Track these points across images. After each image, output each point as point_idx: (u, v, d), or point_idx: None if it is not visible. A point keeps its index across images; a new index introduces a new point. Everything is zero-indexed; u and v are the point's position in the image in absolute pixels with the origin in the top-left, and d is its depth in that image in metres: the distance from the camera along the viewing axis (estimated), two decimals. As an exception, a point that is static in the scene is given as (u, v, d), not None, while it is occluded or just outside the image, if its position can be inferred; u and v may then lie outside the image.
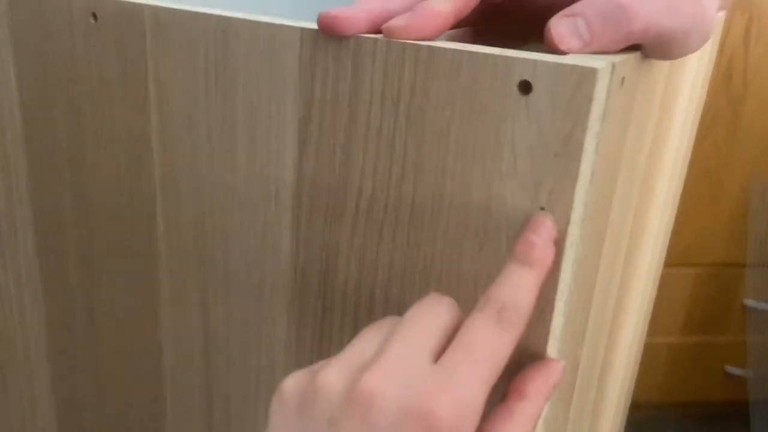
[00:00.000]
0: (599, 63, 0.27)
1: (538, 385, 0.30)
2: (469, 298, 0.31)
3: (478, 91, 0.29)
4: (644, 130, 0.41)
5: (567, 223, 0.29)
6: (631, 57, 0.31)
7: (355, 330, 0.36)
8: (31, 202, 0.50)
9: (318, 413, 0.26)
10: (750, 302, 1.45)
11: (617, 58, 0.29)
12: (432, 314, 0.29)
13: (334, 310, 0.37)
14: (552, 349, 0.31)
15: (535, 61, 0.27)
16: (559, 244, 0.29)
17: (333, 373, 0.27)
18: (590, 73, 0.26)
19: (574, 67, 0.27)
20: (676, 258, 1.28)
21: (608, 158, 0.31)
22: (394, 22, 0.30)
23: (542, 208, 0.29)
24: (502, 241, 0.30)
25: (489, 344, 0.27)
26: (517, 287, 0.28)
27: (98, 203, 0.46)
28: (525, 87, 0.28)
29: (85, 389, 0.54)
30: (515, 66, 0.28)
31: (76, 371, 0.54)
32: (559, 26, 0.30)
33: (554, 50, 0.30)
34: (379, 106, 0.31)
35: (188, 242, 0.42)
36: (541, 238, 0.28)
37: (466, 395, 0.25)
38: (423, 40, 0.30)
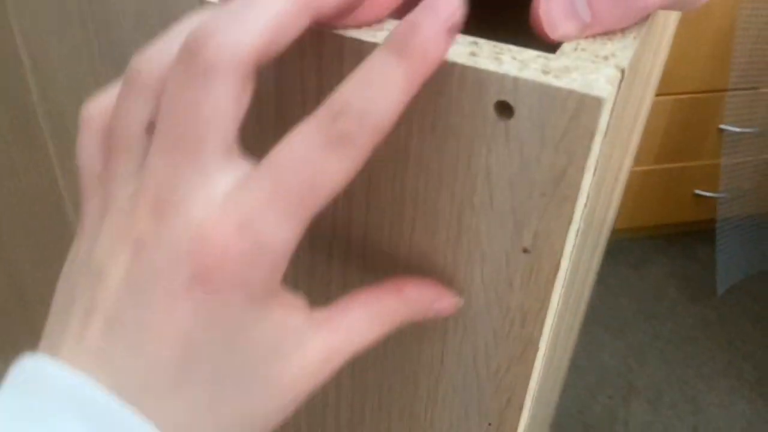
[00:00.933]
0: (603, 83, 0.20)
1: (420, 296, 0.24)
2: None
3: (443, 108, 0.22)
4: None
5: (556, 267, 0.23)
6: (634, 41, 0.23)
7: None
8: None
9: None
10: (728, 126, 1.42)
11: (623, 53, 0.21)
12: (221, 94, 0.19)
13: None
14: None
15: (515, 79, 0.20)
16: (546, 286, 0.24)
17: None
18: (593, 103, 0.19)
19: (570, 93, 0.19)
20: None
21: (606, 158, 0.25)
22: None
23: (525, 250, 0.23)
24: (476, 276, 0.25)
25: (307, 164, 0.19)
26: (373, 87, 0.19)
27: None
28: (504, 109, 0.21)
29: None
30: (489, 83, 0.20)
31: None
32: (551, 4, 0.22)
33: (543, 37, 0.22)
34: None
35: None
36: (431, 22, 0.19)
37: (260, 228, 0.19)
38: (366, 25, 0.22)
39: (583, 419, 1.30)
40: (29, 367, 0.20)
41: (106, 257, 0.21)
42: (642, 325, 1.47)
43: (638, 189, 1.52)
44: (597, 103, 0.19)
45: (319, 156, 0.19)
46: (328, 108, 0.19)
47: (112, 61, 0.33)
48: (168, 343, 0.20)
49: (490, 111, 0.21)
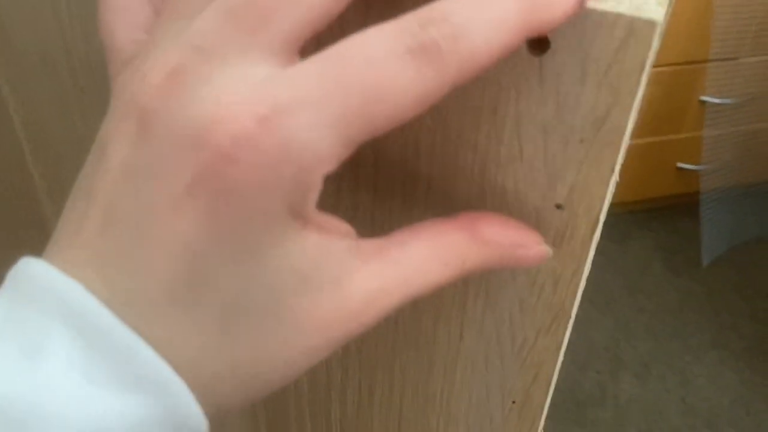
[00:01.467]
0: (654, 4, 0.17)
1: (499, 237, 0.20)
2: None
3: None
4: None
5: (594, 223, 0.21)
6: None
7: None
8: None
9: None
10: (709, 98, 1.42)
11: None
12: None
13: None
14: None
15: (555, 5, 0.17)
16: (582, 246, 0.21)
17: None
18: (645, 28, 0.17)
19: (618, 17, 0.17)
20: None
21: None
22: None
23: (559, 206, 0.21)
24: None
25: (374, 66, 0.15)
26: (483, 6, 0.15)
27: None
28: (538, 43, 0.18)
29: None
30: (524, 11, 0.18)
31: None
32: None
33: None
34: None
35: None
36: None
37: (290, 124, 0.15)
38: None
39: (573, 396, 1.29)
40: (21, 270, 0.17)
41: (112, 129, 0.17)
42: (628, 300, 1.47)
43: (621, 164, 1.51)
44: (650, 27, 0.17)
45: (392, 62, 0.15)
46: (421, 12, 0.15)
47: (84, 40, 0.29)
48: (169, 253, 0.16)
49: (522, 46, 0.18)
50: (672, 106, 1.45)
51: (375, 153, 0.22)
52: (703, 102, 1.43)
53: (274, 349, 0.17)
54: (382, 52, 0.15)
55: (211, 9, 0.17)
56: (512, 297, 0.23)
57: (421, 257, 0.18)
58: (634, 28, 0.17)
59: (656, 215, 1.66)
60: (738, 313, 1.45)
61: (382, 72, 0.15)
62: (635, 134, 1.47)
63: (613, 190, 0.20)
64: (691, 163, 1.52)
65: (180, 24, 0.17)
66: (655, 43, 0.17)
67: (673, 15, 1.30)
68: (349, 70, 0.15)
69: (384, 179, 0.23)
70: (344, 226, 0.18)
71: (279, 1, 0.16)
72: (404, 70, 0.15)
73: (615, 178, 0.20)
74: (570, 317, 0.23)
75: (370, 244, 0.18)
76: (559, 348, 0.24)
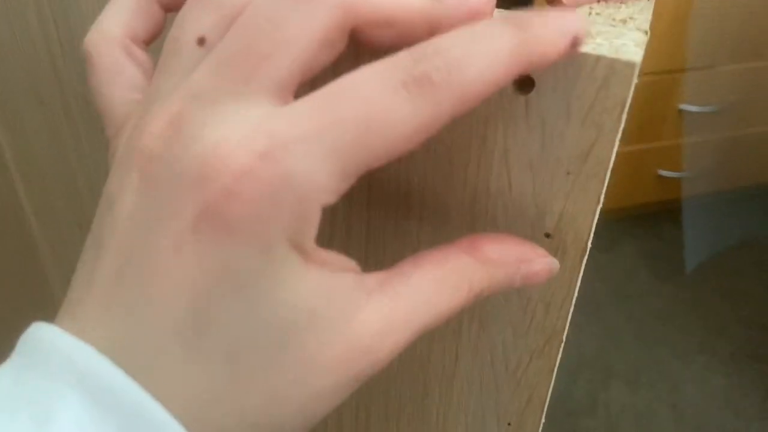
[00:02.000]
0: (633, 47, 0.18)
1: (503, 255, 0.20)
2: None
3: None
4: None
5: (582, 250, 0.21)
6: (649, 3, 0.22)
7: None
8: None
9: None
10: (687, 106, 1.44)
11: (641, 16, 0.20)
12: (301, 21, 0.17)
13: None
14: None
15: (538, 47, 0.18)
16: (571, 272, 0.22)
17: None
18: (624, 69, 0.18)
19: (598, 59, 0.18)
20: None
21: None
22: None
23: (548, 235, 0.21)
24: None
25: (369, 100, 0.16)
26: (477, 42, 0.16)
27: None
28: (524, 83, 0.19)
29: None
30: (509, 53, 0.18)
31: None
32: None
33: (554, 4, 0.21)
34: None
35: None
36: (560, 24, 0.17)
37: (290, 160, 0.16)
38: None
39: (564, 406, 1.30)
40: (31, 335, 0.17)
41: (117, 183, 0.17)
42: (616, 307, 1.48)
43: (603, 173, 1.52)
44: (629, 69, 0.18)
45: (386, 95, 0.16)
46: (414, 48, 0.16)
47: (78, 78, 0.30)
48: (175, 295, 0.16)
49: (508, 85, 0.19)
50: (651, 114, 1.47)
51: (368, 187, 0.23)
52: (682, 110, 1.46)
53: (284, 393, 0.17)
54: (376, 86, 0.16)
55: (206, 62, 0.17)
56: (505, 322, 0.24)
57: (427, 286, 0.18)
58: (615, 68, 0.18)
59: (640, 222, 1.68)
60: (724, 318, 1.46)
61: (377, 105, 0.16)
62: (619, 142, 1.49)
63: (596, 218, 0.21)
64: (673, 171, 1.54)
65: (175, 79, 0.18)
66: (634, 82, 0.18)
67: (650, 24, 1.33)
68: (345, 104, 0.16)
69: (377, 213, 0.24)
70: (347, 261, 0.18)
71: (269, 52, 0.17)
72: (399, 102, 0.16)
73: (600, 205, 0.21)
74: (562, 340, 0.24)
75: (374, 278, 0.18)
76: (552, 370, 0.25)
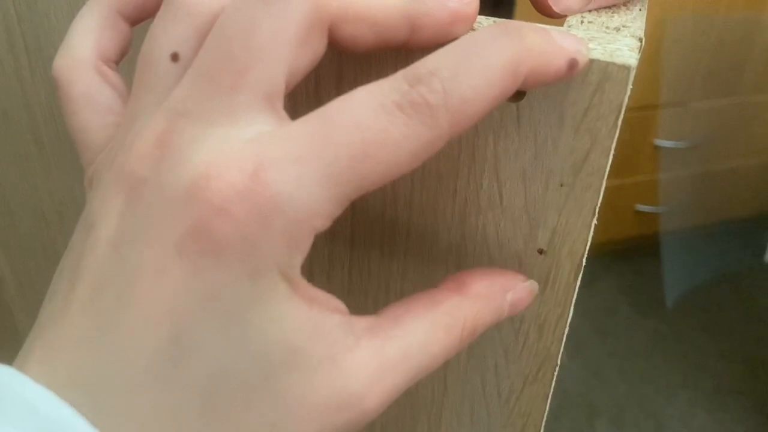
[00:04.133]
0: (627, 51, 0.17)
1: (488, 288, 0.19)
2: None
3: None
4: None
5: (577, 267, 0.20)
6: (641, 13, 0.21)
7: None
8: None
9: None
10: (662, 142, 1.46)
11: (634, 24, 0.19)
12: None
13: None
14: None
15: (529, 52, 0.17)
16: (566, 290, 0.21)
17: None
18: (619, 73, 0.17)
19: (592, 63, 0.17)
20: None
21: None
22: None
23: (541, 251, 0.20)
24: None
25: (364, 124, 0.15)
26: (473, 59, 0.15)
27: None
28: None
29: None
30: (499, 58, 0.18)
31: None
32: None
33: (544, 11, 0.20)
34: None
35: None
36: (560, 43, 0.16)
37: (279, 180, 0.15)
38: None
39: (549, 444, 1.28)
40: None
41: (98, 206, 0.16)
42: (598, 343, 1.47)
43: (582, 208, 1.53)
44: (624, 72, 0.17)
45: (381, 118, 0.15)
46: (408, 70, 0.15)
47: (47, 96, 0.29)
48: (152, 322, 0.15)
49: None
50: (627, 150, 1.49)
51: (352, 204, 0.22)
52: (658, 146, 1.48)
53: None
54: (371, 110, 0.15)
55: (187, 77, 0.17)
56: (497, 345, 0.23)
57: (420, 328, 0.17)
58: (609, 72, 0.17)
59: (619, 257, 1.68)
60: (705, 352, 1.46)
61: (372, 129, 0.15)
62: (595, 179, 1.50)
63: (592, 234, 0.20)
64: (650, 205, 1.56)
65: (154, 97, 0.17)
66: (629, 87, 0.17)
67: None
68: (339, 128, 0.15)
69: (362, 228, 0.23)
70: (335, 302, 0.17)
71: (248, 60, 0.16)
72: (395, 126, 0.15)
73: (595, 219, 0.20)
74: (556, 363, 0.23)
75: (363, 321, 0.17)
76: (547, 396, 0.23)
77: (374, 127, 0.15)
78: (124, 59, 0.21)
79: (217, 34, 0.16)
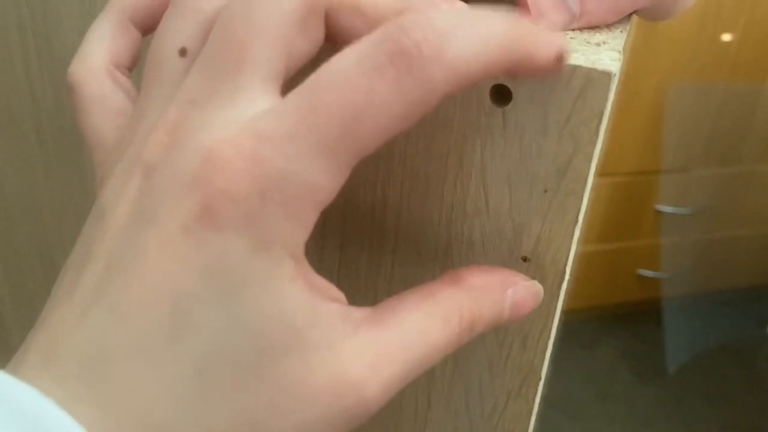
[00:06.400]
0: (608, 60, 0.18)
1: (486, 283, 0.19)
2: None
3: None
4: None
5: (560, 276, 0.21)
6: (622, 34, 0.22)
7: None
8: None
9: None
10: (664, 207, 1.47)
11: (615, 41, 0.20)
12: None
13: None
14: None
15: (516, 58, 0.18)
16: (550, 300, 0.21)
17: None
18: (601, 79, 0.18)
19: (575, 69, 0.18)
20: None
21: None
22: None
23: (525, 259, 0.21)
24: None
25: (352, 85, 0.15)
26: (469, 18, 0.15)
27: None
28: (501, 94, 0.19)
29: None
30: (486, 64, 0.19)
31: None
32: (540, -7, 0.20)
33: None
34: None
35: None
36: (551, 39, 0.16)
37: (279, 155, 0.15)
38: None
39: None
40: None
41: (111, 195, 0.17)
42: (598, 408, 1.44)
43: (582, 269, 1.53)
44: (605, 78, 0.18)
45: (370, 77, 0.15)
46: (398, 21, 0.15)
47: (54, 94, 0.30)
48: (154, 298, 0.16)
49: (486, 97, 0.19)
50: (629, 214, 1.50)
51: (343, 205, 0.22)
52: (659, 211, 1.48)
53: (254, 420, 0.16)
54: (355, 70, 0.15)
55: (195, 67, 0.18)
56: (481, 358, 0.23)
57: (417, 317, 0.18)
58: (591, 78, 0.18)
59: (621, 321, 1.66)
60: (706, 421, 1.43)
61: (360, 90, 0.15)
62: (595, 240, 1.51)
63: (577, 243, 0.21)
64: (652, 270, 1.55)
65: (165, 90, 0.18)
66: (612, 94, 0.18)
67: (626, 126, 1.38)
68: (326, 94, 0.15)
69: (352, 232, 0.23)
70: (335, 291, 0.18)
71: (247, 40, 0.17)
72: (382, 82, 0.15)
73: (579, 228, 0.20)
74: (540, 378, 0.23)
75: (361, 311, 0.17)
76: (530, 414, 0.23)
77: (362, 88, 0.15)
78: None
79: (220, 23, 0.17)
